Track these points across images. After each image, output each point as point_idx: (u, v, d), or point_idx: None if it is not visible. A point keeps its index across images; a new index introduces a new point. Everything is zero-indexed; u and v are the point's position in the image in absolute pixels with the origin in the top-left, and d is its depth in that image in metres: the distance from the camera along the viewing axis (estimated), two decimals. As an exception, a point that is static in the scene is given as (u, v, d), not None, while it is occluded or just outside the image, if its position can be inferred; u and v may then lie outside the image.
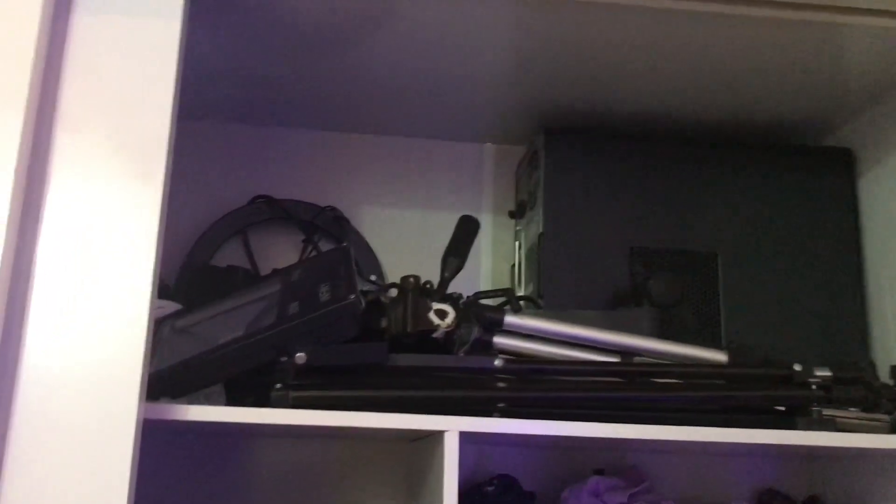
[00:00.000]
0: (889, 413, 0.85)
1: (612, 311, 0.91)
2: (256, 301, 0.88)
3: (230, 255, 1.09)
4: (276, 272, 0.93)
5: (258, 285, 0.91)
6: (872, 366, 0.87)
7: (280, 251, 1.11)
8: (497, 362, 0.82)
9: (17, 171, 0.62)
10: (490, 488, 1.01)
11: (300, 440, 1.09)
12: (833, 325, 1.02)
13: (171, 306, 0.93)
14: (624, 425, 0.75)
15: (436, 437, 0.81)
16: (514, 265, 1.15)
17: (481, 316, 0.85)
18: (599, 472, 1.07)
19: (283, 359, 0.77)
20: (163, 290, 0.98)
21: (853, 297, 1.04)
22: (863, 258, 1.06)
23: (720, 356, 0.87)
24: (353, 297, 0.77)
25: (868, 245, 1.06)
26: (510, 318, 0.86)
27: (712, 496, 1.12)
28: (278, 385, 0.77)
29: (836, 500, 1.09)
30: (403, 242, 1.16)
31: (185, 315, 0.90)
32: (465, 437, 0.80)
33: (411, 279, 0.85)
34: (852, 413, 0.86)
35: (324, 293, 0.80)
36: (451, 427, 0.74)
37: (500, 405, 0.79)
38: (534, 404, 0.79)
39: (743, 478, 1.15)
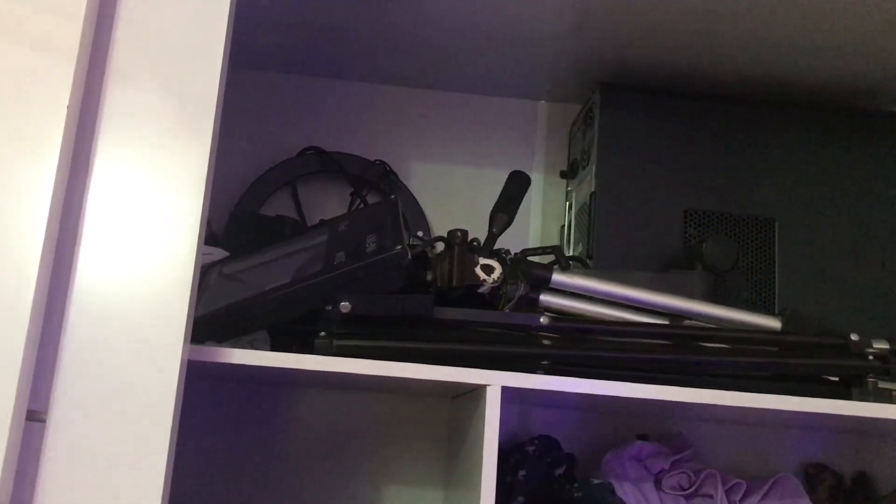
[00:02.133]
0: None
1: (662, 273, 0.89)
2: (303, 250, 0.88)
3: (279, 206, 1.09)
4: (323, 223, 0.93)
5: (306, 235, 0.91)
6: (931, 340, 0.83)
7: (328, 204, 1.10)
8: (543, 319, 0.80)
9: (68, 118, 0.62)
10: (531, 448, 1.01)
11: (343, 393, 1.10)
12: (890, 297, 0.98)
13: (220, 253, 0.94)
14: (669, 387, 0.74)
15: (478, 392, 0.80)
16: (563, 226, 1.13)
17: (528, 273, 0.84)
18: (643, 437, 1.05)
19: (329, 307, 0.77)
20: (211, 237, 0.99)
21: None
22: (926, 229, 1.02)
23: (774, 323, 0.84)
24: (399, 247, 0.76)
25: (934, 215, 1.02)
26: (557, 276, 0.85)
27: (758, 468, 1.10)
28: (322, 333, 0.77)
29: (885, 477, 1.06)
30: (452, 199, 1.15)
31: (233, 262, 0.91)
32: (508, 394, 0.79)
33: (458, 233, 0.84)
34: (911, 387, 0.83)
35: (370, 244, 0.79)
36: (494, 382, 0.74)
37: (545, 363, 0.78)
38: (578, 363, 0.78)
39: (790, 451, 1.12)
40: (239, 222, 1.02)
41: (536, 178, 1.18)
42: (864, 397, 0.77)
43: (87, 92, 0.66)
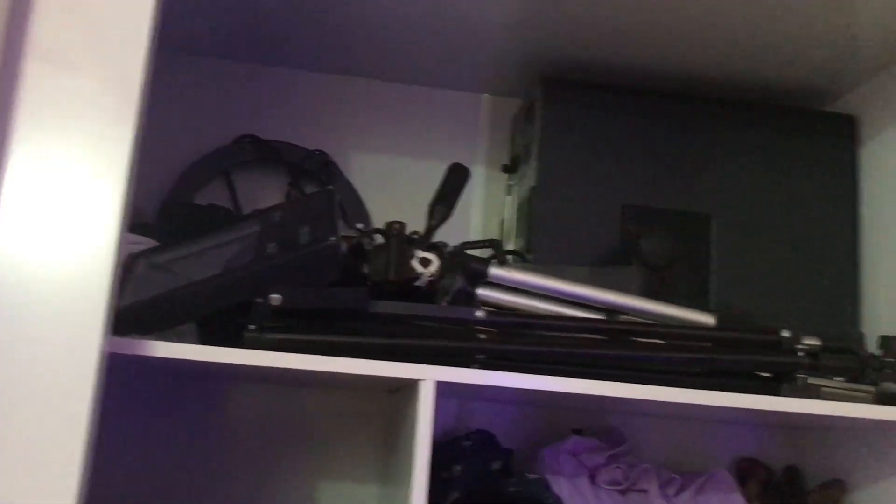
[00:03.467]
0: (874, 384, 0.84)
1: (600, 268, 0.89)
2: (235, 241, 0.85)
3: (214, 195, 1.06)
4: (257, 213, 0.91)
5: (238, 225, 0.88)
6: (861, 337, 0.85)
7: (265, 194, 1.08)
8: (479, 313, 0.80)
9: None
10: (467, 443, 1.00)
11: (277, 388, 1.08)
12: (825, 294, 1.00)
13: (149, 242, 0.91)
14: (604, 382, 0.74)
15: (412, 386, 0.79)
16: (504, 221, 1.12)
17: (466, 266, 0.83)
18: (578, 431, 1.05)
19: (259, 300, 0.75)
20: (142, 227, 0.95)
21: (847, 267, 1.02)
22: (860, 228, 1.04)
23: (708, 319, 0.85)
24: (333, 239, 0.74)
25: (866, 215, 1.04)
26: (495, 270, 0.84)
27: (692, 462, 1.11)
28: (252, 326, 0.75)
29: (814, 471, 1.08)
30: (393, 191, 1.14)
31: (162, 251, 0.88)
32: (444, 389, 0.78)
33: (396, 225, 0.83)
34: (837, 383, 0.84)
35: (304, 235, 0.77)
36: (428, 376, 0.73)
37: (480, 357, 0.77)
38: (514, 357, 0.77)
39: (723, 445, 1.14)
40: (170, 211, 0.99)
41: (478, 172, 1.17)
42: (793, 393, 0.78)
43: (3, 73, 0.63)
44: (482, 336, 0.79)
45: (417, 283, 0.82)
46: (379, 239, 0.84)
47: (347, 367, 0.72)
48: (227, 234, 0.87)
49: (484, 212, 1.17)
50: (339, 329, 0.76)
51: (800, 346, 0.80)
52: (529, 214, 0.99)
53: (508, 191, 1.12)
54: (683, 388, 0.74)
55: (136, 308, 0.74)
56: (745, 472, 1.08)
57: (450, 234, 0.95)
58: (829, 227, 1.02)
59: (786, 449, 1.14)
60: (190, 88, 1.12)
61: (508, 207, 1.11)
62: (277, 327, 0.75)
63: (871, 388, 0.84)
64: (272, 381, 1.05)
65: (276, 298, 0.74)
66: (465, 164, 0.93)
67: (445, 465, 0.97)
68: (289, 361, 0.71)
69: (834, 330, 0.91)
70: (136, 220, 1.00)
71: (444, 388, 0.75)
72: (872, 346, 0.87)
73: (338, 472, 1.07)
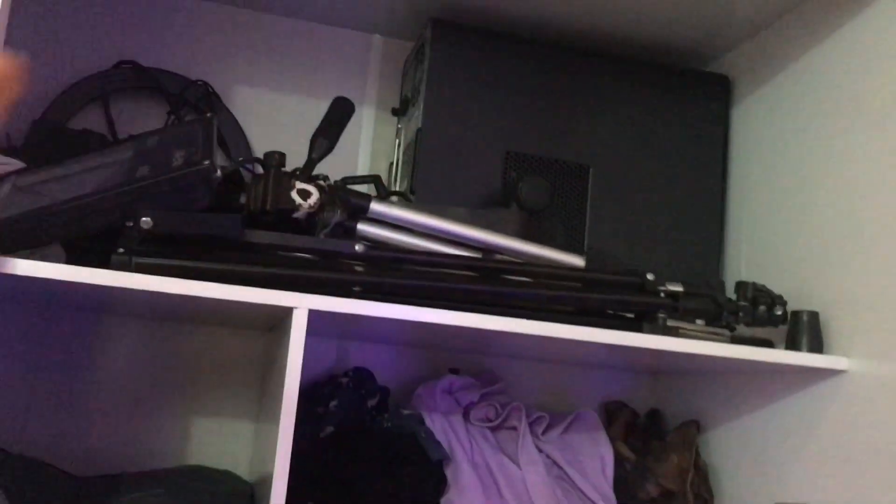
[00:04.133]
0: (731, 328, 0.89)
1: (480, 210, 0.90)
2: (107, 165, 0.82)
3: (90, 122, 1.02)
4: (131, 138, 0.88)
5: (111, 149, 0.85)
6: (722, 284, 0.90)
7: (143, 122, 1.04)
8: (358, 247, 0.80)
9: None
10: (344, 379, 1.01)
11: (151, 324, 1.05)
12: (691, 244, 1.05)
13: (16, 164, 0.86)
14: (477, 315, 0.75)
15: (287, 320, 0.79)
16: (392, 163, 1.13)
17: (346, 201, 0.83)
18: (455, 371, 1.08)
19: (129, 224, 0.74)
20: (11, 151, 0.91)
21: (712, 220, 1.07)
22: (727, 184, 1.10)
23: (578, 260, 0.88)
24: (206, 162, 0.73)
25: (734, 172, 1.10)
26: (376, 206, 0.85)
27: (562, 404, 1.16)
28: (121, 250, 0.73)
29: (674, 413, 1.14)
30: (278, 127, 1.12)
31: (29, 174, 0.84)
32: (322, 324, 0.79)
33: (276, 156, 0.82)
34: (697, 326, 0.89)
35: (178, 159, 0.76)
36: (302, 304, 0.73)
37: (356, 289, 0.78)
38: (390, 291, 0.78)
39: (592, 389, 1.19)
40: (41, 134, 0.95)
41: (368, 114, 1.16)
42: (654, 331, 0.82)
43: None
44: (359, 269, 0.79)
45: (296, 216, 0.81)
46: (258, 170, 0.83)
47: (219, 293, 0.71)
48: (98, 157, 0.84)
49: (373, 155, 1.16)
50: (213, 258, 0.75)
51: (662, 289, 0.84)
52: (415, 156, 0.99)
53: (397, 134, 1.13)
54: (550, 323, 0.77)
55: (-5, 226, 0.71)
56: (612, 413, 1.14)
57: (336, 175, 0.95)
58: (699, 182, 1.07)
59: (649, 393, 1.20)
60: (70, 10, 1.06)
61: (397, 151, 1.12)
62: (147, 252, 0.73)
63: (727, 332, 0.89)
64: (145, 316, 1.03)
65: (146, 222, 0.72)
66: (349, 99, 0.93)
67: (322, 401, 0.98)
68: (158, 285, 0.69)
69: (698, 278, 0.96)
70: (4, 145, 0.96)
71: (322, 323, 0.75)
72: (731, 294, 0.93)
73: (214, 410, 1.06)
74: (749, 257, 1.04)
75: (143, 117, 1.05)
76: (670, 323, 0.85)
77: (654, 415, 1.16)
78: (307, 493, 0.88)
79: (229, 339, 1.08)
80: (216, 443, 1.06)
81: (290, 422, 0.72)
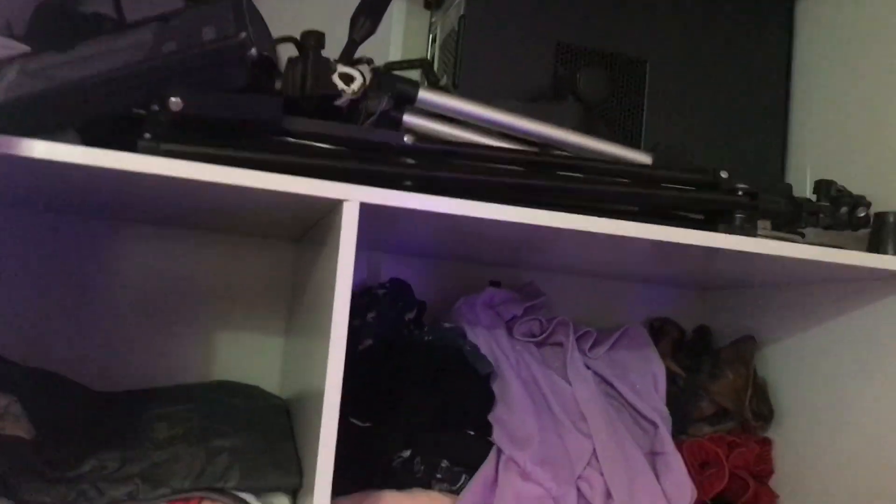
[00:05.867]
0: (800, 233, 0.82)
1: (532, 103, 0.82)
2: (126, 48, 0.74)
3: (97, 2, 0.92)
4: (150, 18, 0.78)
5: (130, 31, 0.76)
6: (789, 188, 0.82)
7: (157, 5, 0.94)
8: (407, 139, 0.72)
9: None
10: (381, 291, 0.94)
11: (173, 233, 0.98)
12: (753, 145, 0.98)
13: (22, 49, 0.78)
14: (540, 211, 0.68)
15: (329, 218, 0.72)
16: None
17: (392, 87, 0.75)
18: (496, 283, 1.01)
19: (155, 107, 0.65)
20: (7, 31, 0.82)
21: (776, 120, 0.99)
22: (791, 82, 1.02)
23: (644, 158, 0.81)
24: (243, 34, 0.64)
25: (799, 69, 1.01)
26: (424, 94, 0.76)
27: (606, 320, 1.10)
28: (148, 135, 0.65)
29: (724, 330, 1.08)
30: (309, 7, 1.02)
31: (38, 57, 0.75)
32: (367, 217, 0.71)
33: (315, 35, 0.73)
34: (768, 231, 0.82)
35: (208, 33, 0.67)
36: (352, 196, 0.65)
37: (407, 183, 0.70)
38: (445, 186, 0.70)
39: (635, 305, 1.13)
40: (45, 17, 0.85)
41: (398, 7, 1.07)
42: (731, 232, 0.75)
43: None
44: (410, 161, 0.71)
45: (337, 103, 0.73)
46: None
47: (263, 182, 0.63)
48: (115, 39, 0.75)
49: (404, 53, 1.07)
50: (247, 145, 0.67)
51: (740, 186, 0.77)
52: (457, 46, 0.90)
53: (431, 28, 1.03)
54: (622, 221, 0.70)
55: (5, 107, 0.63)
56: (658, 330, 1.07)
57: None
58: (762, 79, 0.99)
59: (696, 309, 1.14)
60: None
61: (430, 47, 1.03)
62: (177, 137, 0.65)
63: (800, 238, 0.82)
64: (165, 223, 0.96)
65: (175, 103, 0.64)
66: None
67: (358, 313, 0.91)
68: (192, 171, 0.62)
69: (760, 181, 0.89)
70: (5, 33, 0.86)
71: (364, 224, 0.68)
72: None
73: (239, 325, 1.00)
74: (816, 160, 0.97)
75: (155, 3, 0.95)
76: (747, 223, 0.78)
77: (703, 331, 1.10)
78: (347, 408, 0.82)
79: (254, 251, 1.01)
80: (241, 359, 0.99)
81: (343, 331, 0.64)
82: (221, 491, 0.68)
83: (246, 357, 1.00)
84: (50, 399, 0.77)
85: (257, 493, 0.69)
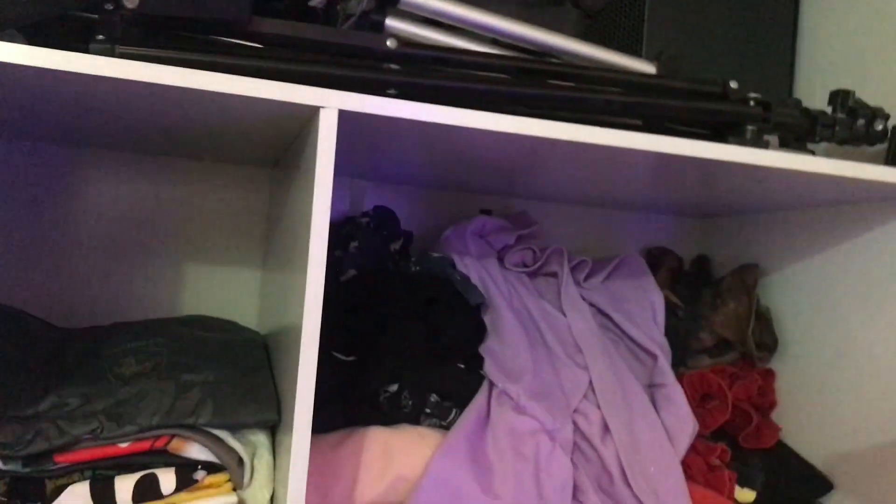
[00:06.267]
0: (821, 140, 0.77)
1: (527, 7, 0.75)
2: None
3: None
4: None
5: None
6: (798, 102, 0.77)
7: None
8: (390, 43, 0.65)
9: None
10: (364, 219, 0.88)
11: (134, 159, 0.91)
12: (760, 57, 0.91)
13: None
14: (540, 121, 0.62)
15: (304, 135, 0.65)
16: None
17: (373, -13, 0.68)
18: (486, 212, 0.96)
19: (108, 6, 0.58)
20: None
21: (785, 31, 0.93)
22: (801, -5, 0.95)
23: (648, 67, 0.74)
24: (205, -82, 0.57)
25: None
26: (409, -5, 0.69)
27: (601, 250, 1.05)
28: (101, 37, 0.58)
29: (724, 259, 1.04)
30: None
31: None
32: (347, 133, 0.65)
33: (286, -71, 0.66)
34: (776, 148, 0.77)
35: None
36: (330, 103, 0.58)
37: (391, 91, 0.64)
38: (432, 94, 0.64)
39: (632, 234, 1.08)
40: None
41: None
42: (743, 144, 0.69)
43: None
44: (394, 68, 0.65)
45: (312, 3, 0.66)
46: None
47: (230, 86, 0.56)
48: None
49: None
50: (214, 50, 0.61)
51: (751, 96, 0.71)
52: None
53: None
54: (629, 132, 0.64)
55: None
56: (656, 260, 1.03)
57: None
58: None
59: (694, 238, 1.09)
60: None
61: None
62: (133, 40, 0.58)
63: (812, 152, 0.77)
64: (128, 148, 0.88)
65: (131, 0, 0.57)
66: None
67: (340, 244, 0.86)
68: (153, 74, 0.55)
69: (767, 95, 0.83)
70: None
71: (347, 122, 0.62)
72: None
73: (213, 258, 0.94)
74: (827, 74, 0.91)
75: None
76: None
77: (702, 261, 1.05)
78: (330, 342, 0.77)
79: (227, 179, 0.94)
80: (216, 294, 0.94)
81: (321, 256, 0.58)
82: (192, 427, 0.62)
83: (221, 292, 0.94)
84: (8, 335, 0.71)
85: (232, 429, 0.64)
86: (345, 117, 0.60)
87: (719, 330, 0.92)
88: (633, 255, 0.96)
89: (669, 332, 0.91)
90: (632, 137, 0.64)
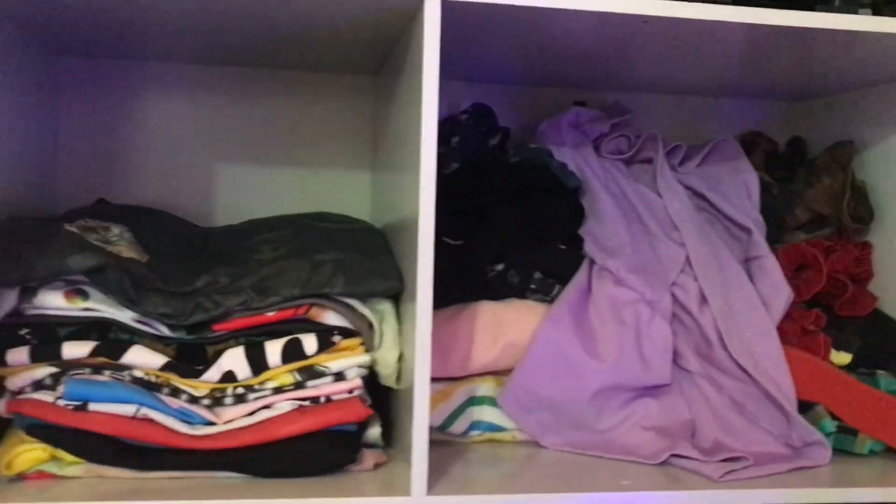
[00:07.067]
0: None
1: None
2: None
3: None
4: None
5: None
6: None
7: None
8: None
9: None
10: (464, 116, 0.94)
11: (249, 74, 0.99)
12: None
13: None
14: None
15: (406, 41, 0.71)
16: None
17: None
18: (580, 104, 0.99)
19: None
20: None
21: None
22: None
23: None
24: None
25: None
26: None
27: (695, 136, 1.07)
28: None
29: (819, 141, 1.05)
30: None
31: None
32: (448, 17, 0.70)
33: None
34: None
35: None
36: (433, -8, 0.64)
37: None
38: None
39: (725, 121, 1.10)
40: None
41: None
42: (830, 10, 0.71)
43: None
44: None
45: None
46: None
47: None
48: None
49: None
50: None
51: (839, -36, 0.72)
52: None
53: None
54: (713, 5, 0.67)
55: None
56: (750, 144, 1.04)
57: None
58: None
59: (788, 122, 1.10)
60: None
61: None
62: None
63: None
64: (245, 63, 0.96)
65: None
66: None
67: (442, 140, 0.92)
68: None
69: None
70: None
71: (448, 16, 0.67)
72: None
73: (326, 164, 1.01)
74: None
75: None
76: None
77: (797, 143, 1.06)
78: (439, 228, 0.83)
79: (332, 88, 1.01)
80: (330, 197, 1.02)
81: (432, 157, 0.65)
82: (328, 297, 0.71)
83: (334, 194, 1.02)
84: (157, 231, 0.81)
85: (362, 298, 0.72)
86: (447, 7, 0.65)
87: (814, 205, 0.94)
88: (726, 139, 0.98)
89: (765, 210, 0.93)
90: (720, 10, 0.67)
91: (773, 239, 0.92)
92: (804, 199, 0.95)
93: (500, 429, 0.81)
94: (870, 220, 0.93)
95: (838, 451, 0.80)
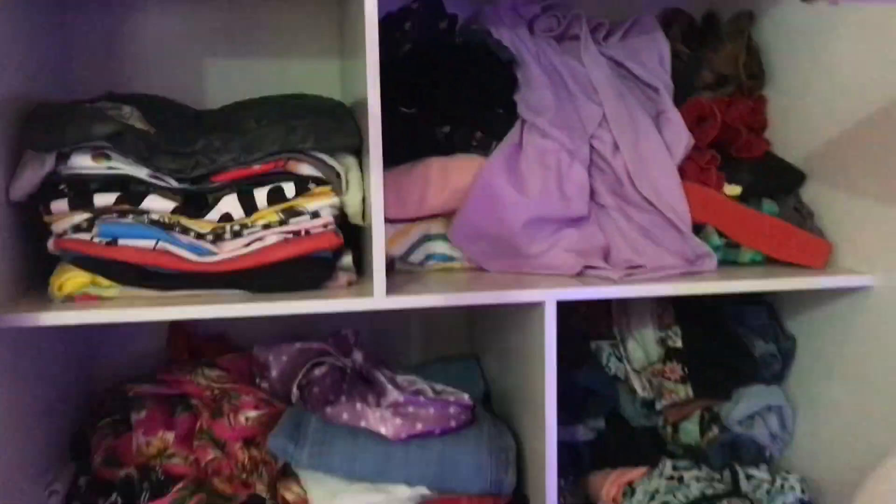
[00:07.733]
0: None
1: None
2: None
3: None
4: None
5: None
6: None
7: None
8: None
9: None
10: (415, 5, 1.08)
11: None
12: None
13: None
14: None
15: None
16: None
17: None
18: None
19: None
20: None
21: None
22: None
23: None
24: None
25: None
26: None
27: (620, 15, 1.20)
28: None
29: (730, 15, 1.19)
30: None
31: None
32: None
33: None
34: None
35: None
36: None
37: None
38: None
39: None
40: None
41: None
42: None
43: None
44: None
45: None
46: None
47: None
48: None
49: None
50: None
51: None
52: None
53: None
54: None
55: None
56: (669, 19, 1.19)
57: None
58: None
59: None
60: None
61: None
62: None
63: None
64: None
65: None
66: None
67: (396, 24, 1.07)
68: None
69: None
70: None
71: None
72: None
73: (300, 53, 1.16)
74: None
75: None
76: None
77: (711, 17, 1.20)
78: (395, 99, 1.00)
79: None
80: (303, 86, 1.16)
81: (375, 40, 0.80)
82: (302, 152, 0.88)
83: (308, 84, 1.17)
84: (160, 110, 0.97)
85: (330, 152, 0.89)
86: None
87: (718, 67, 1.10)
88: (645, 16, 1.13)
89: (675, 74, 1.09)
90: None
91: (681, 99, 1.08)
92: (710, 62, 1.10)
93: (451, 258, 1.00)
94: (761, 76, 1.09)
95: (725, 262, 0.99)
